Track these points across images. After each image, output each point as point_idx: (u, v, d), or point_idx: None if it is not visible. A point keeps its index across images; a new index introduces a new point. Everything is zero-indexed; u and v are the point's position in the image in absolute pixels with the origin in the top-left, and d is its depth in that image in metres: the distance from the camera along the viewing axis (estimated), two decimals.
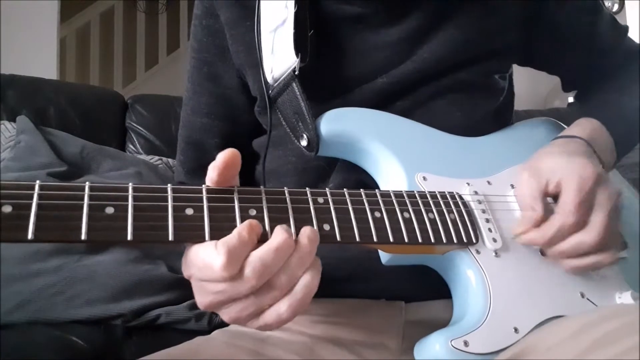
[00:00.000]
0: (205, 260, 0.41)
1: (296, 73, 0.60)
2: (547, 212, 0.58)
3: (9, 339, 0.91)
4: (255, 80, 0.69)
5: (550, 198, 0.60)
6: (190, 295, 1.10)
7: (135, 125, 1.49)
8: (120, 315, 1.04)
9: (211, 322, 1.09)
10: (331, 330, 0.64)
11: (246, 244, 0.41)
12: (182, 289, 1.13)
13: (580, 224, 0.56)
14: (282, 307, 0.42)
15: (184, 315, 1.09)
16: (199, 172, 0.75)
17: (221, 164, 0.43)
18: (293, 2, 0.62)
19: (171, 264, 1.16)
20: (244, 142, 0.76)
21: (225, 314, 0.44)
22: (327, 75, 0.67)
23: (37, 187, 0.37)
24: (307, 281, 0.43)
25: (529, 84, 2.41)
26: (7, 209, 0.35)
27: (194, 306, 1.11)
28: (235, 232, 0.41)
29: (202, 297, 0.44)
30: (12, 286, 1.00)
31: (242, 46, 0.70)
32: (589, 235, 0.56)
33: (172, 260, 1.17)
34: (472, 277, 0.54)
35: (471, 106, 0.70)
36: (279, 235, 0.42)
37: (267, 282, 0.41)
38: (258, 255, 0.41)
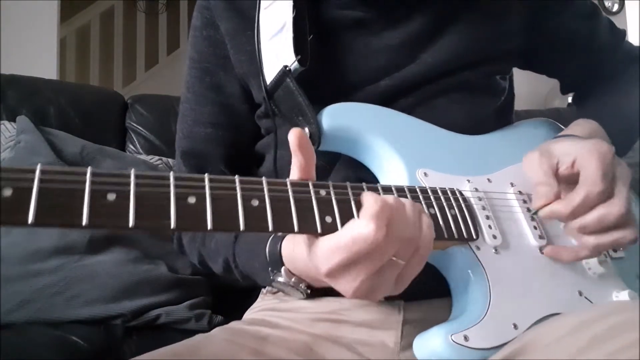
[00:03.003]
0: (354, 233, 0.43)
1: (287, 69, 0.60)
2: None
3: (9, 339, 0.91)
4: (258, 87, 0.69)
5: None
6: (190, 295, 1.12)
7: (135, 125, 1.49)
8: (120, 315, 1.04)
9: (211, 322, 1.09)
10: (331, 329, 0.64)
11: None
12: (182, 289, 1.13)
13: (605, 195, 0.56)
14: (414, 262, 0.46)
15: (184, 315, 1.09)
16: None
17: (295, 144, 0.47)
18: (291, 8, 0.62)
19: (171, 264, 1.16)
20: (246, 150, 0.77)
21: (375, 289, 0.46)
22: (329, 79, 0.67)
23: (38, 172, 0.36)
24: (427, 222, 0.47)
25: (529, 84, 2.42)
26: (7, 192, 0.34)
27: (194, 306, 1.11)
28: (366, 203, 0.45)
29: (352, 282, 0.45)
30: (12, 286, 1.00)
31: (244, 55, 0.70)
32: (615, 206, 0.56)
33: (172, 260, 1.17)
34: (472, 272, 0.54)
35: (473, 105, 0.70)
36: (388, 197, 0.45)
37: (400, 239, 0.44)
38: (387, 216, 0.44)
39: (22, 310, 0.98)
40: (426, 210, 0.52)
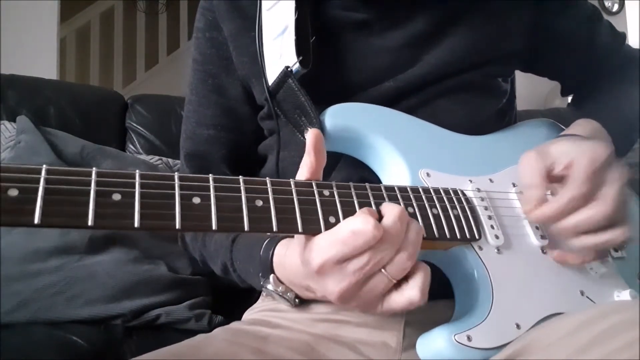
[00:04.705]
0: (354, 228, 0.44)
1: (289, 69, 0.60)
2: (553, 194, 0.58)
3: (9, 339, 0.91)
4: (260, 89, 0.69)
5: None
6: (190, 295, 1.12)
7: (135, 125, 1.49)
8: (120, 315, 1.04)
9: (211, 322, 1.09)
10: (332, 329, 0.64)
11: (375, 213, 0.45)
12: (182, 289, 1.13)
13: (588, 197, 0.56)
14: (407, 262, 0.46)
15: (184, 315, 1.09)
16: None
17: (312, 144, 0.47)
18: (294, 9, 0.62)
19: (171, 264, 1.16)
20: (248, 151, 0.77)
21: (360, 296, 0.46)
22: (332, 80, 0.67)
23: (44, 172, 0.36)
24: (416, 233, 0.47)
25: (529, 84, 2.41)
26: (13, 192, 0.34)
27: (194, 306, 1.11)
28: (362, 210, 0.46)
29: (339, 283, 0.45)
30: (12, 286, 1.00)
31: (246, 57, 0.70)
32: (600, 207, 0.56)
33: (172, 260, 1.17)
34: (474, 273, 0.54)
35: (475, 106, 0.71)
36: (395, 208, 0.46)
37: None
38: (388, 224, 0.45)
39: (22, 310, 0.98)
40: (429, 210, 0.52)
